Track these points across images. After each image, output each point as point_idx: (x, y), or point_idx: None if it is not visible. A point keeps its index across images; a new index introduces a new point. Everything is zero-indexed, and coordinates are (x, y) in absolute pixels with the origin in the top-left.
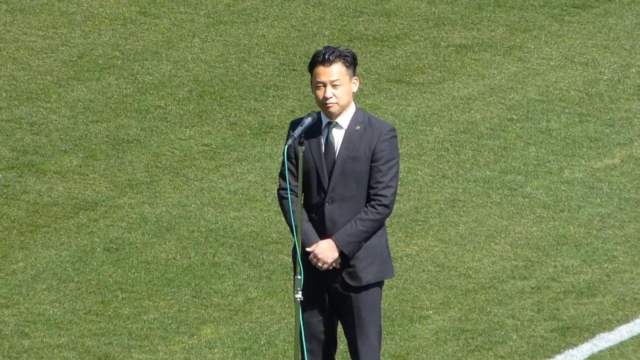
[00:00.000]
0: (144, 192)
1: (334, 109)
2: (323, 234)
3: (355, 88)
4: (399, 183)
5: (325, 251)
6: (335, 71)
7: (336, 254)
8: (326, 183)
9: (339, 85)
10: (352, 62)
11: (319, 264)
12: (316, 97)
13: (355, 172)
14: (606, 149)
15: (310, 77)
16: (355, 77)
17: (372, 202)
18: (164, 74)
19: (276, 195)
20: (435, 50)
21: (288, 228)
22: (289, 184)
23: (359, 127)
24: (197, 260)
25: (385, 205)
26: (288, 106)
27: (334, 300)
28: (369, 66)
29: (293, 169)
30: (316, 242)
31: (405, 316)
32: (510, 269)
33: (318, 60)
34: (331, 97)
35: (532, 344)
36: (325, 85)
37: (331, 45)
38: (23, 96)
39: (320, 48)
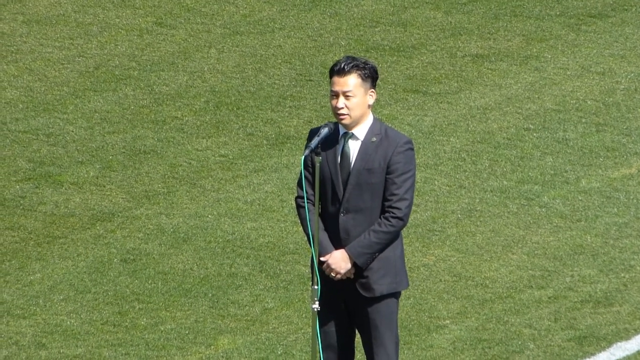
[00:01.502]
0: (160, 202)
1: (345, 120)
2: (337, 244)
3: (371, 101)
4: (414, 195)
5: (339, 261)
6: (349, 82)
7: (349, 265)
8: (341, 194)
9: (352, 97)
10: (369, 75)
11: (332, 274)
12: (331, 106)
13: (370, 183)
14: (623, 159)
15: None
16: (372, 89)
17: (386, 214)
18: (181, 84)
19: (294, 203)
20: (452, 60)
21: (305, 238)
22: (306, 192)
23: (375, 138)
24: (214, 271)
25: (399, 218)
26: (305, 116)
27: (350, 310)
28: (386, 76)
29: (310, 178)
30: (330, 252)
31: (422, 326)
32: (527, 279)
33: (335, 69)
34: (343, 108)
35: (549, 354)
36: (338, 95)
37: (352, 55)
38: (40, 107)
39: (337, 58)
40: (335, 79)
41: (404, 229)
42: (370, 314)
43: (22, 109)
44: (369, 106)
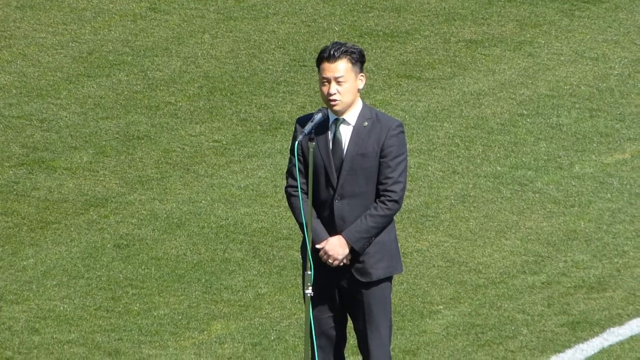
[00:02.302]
0: (154, 188)
1: (337, 106)
2: (332, 231)
3: (361, 85)
4: (408, 179)
5: (336, 247)
6: (340, 68)
7: (347, 250)
8: (335, 180)
9: (344, 82)
10: (358, 59)
11: (330, 261)
12: (321, 93)
13: (364, 168)
14: (617, 144)
15: (317, 72)
16: (362, 73)
17: (382, 198)
18: (174, 70)
19: (284, 192)
20: (446, 45)
21: (297, 225)
22: (298, 181)
23: (366, 123)
24: (208, 257)
25: (395, 201)
26: (298, 102)
27: (344, 295)
28: (379, 62)
29: (301, 166)
30: (326, 239)
31: (415, 311)
32: (521, 264)
33: (324, 56)
34: (335, 94)
35: (542, 339)
36: (329, 81)
37: (340, 40)
38: (33, 93)
39: (329, 44)
40: (325, 65)
41: (398, 214)
42: (365, 298)
43: (16, 94)
44: (359, 90)
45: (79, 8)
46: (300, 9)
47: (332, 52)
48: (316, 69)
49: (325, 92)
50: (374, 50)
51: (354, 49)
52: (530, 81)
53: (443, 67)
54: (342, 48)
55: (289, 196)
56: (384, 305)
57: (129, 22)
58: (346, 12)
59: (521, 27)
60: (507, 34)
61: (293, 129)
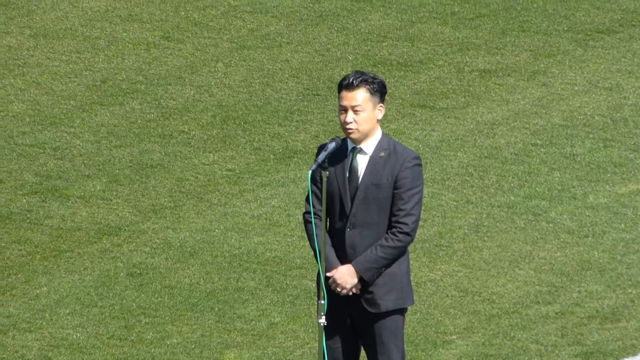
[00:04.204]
0: (167, 217)
1: (353, 135)
2: (344, 259)
3: (380, 115)
4: (422, 210)
5: (344, 276)
6: (358, 97)
7: (355, 280)
8: (348, 208)
9: (361, 112)
10: (377, 89)
11: (338, 289)
12: (340, 120)
13: (378, 198)
14: (631, 174)
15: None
16: (381, 104)
17: (394, 229)
18: (188, 98)
19: (302, 219)
20: (459, 75)
21: (312, 253)
22: (313, 207)
23: (383, 153)
24: (221, 285)
25: (407, 233)
26: (312, 131)
27: (356, 325)
28: (393, 91)
29: (318, 193)
30: (336, 267)
31: (429, 341)
32: (534, 294)
33: (343, 84)
34: (351, 122)
35: None
36: (346, 109)
37: (361, 70)
38: (47, 121)
39: (345, 73)
40: (344, 93)
41: (411, 244)
42: (376, 329)
43: (29, 122)
44: (378, 121)
45: (92, 37)
46: (313, 38)
47: (351, 81)
48: (329, 97)
49: (342, 120)
50: (387, 80)
51: (375, 79)
52: (544, 111)
53: (457, 96)
54: (362, 77)
55: (305, 222)
56: (396, 335)
57: (142, 51)
58: (360, 42)
59: (535, 56)
60: (521, 63)
61: (308, 158)
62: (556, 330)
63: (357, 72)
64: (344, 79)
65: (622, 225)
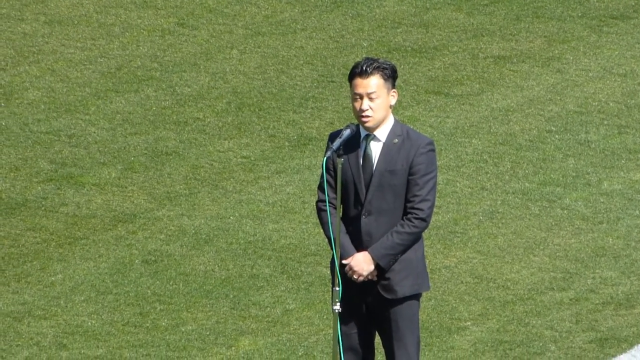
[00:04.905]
0: (182, 204)
1: (369, 122)
2: (359, 247)
3: (393, 101)
4: (436, 196)
5: (361, 263)
6: (372, 83)
7: (372, 267)
8: (363, 196)
9: (376, 98)
10: (390, 75)
11: (355, 277)
12: (353, 108)
13: (393, 185)
14: None
15: (349, 88)
16: (394, 89)
17: (409, 215)
18: (203, 85)
19: (315, 207)
20: (474, 61)
21: (326, 240)
22: (327, 196)
23: (397, 140)
24: (236, 272)
25: (422, 219)
26: (327, 118)
27: (371, 311)
28: (407, 78)
29: (332, 181)
30: (352, 255)
31: (443, 327)
32: (549, 281)
33: (356, 71)
34: (367, 110)
35: (570, 355)
36: (362, 97)
37: (371, 56)
38: (62, 108)
39: (359, 59)
40: (358, 80)
41: (426, 230)
42: (392, 315)
43: (44, 109)
44: (391, 107)
45: (107, 23)
46: (328, 25)
47: (364, 68)
48: (344, 84)
49: (358, 108)
50: (402, 66)
51: (387, 64)
52: (558, 97)
53: (471, 83)
54: (375, 64)
55: (319, 210)
56: (411, 322)
57: (157, 38)
58: (374, 28)
59: (549, 43)
60: (535, 50)
61: (323, 145)
62: (570, 316)
63: (367, 58)
64: (355, 67)
65: (637, 212)
